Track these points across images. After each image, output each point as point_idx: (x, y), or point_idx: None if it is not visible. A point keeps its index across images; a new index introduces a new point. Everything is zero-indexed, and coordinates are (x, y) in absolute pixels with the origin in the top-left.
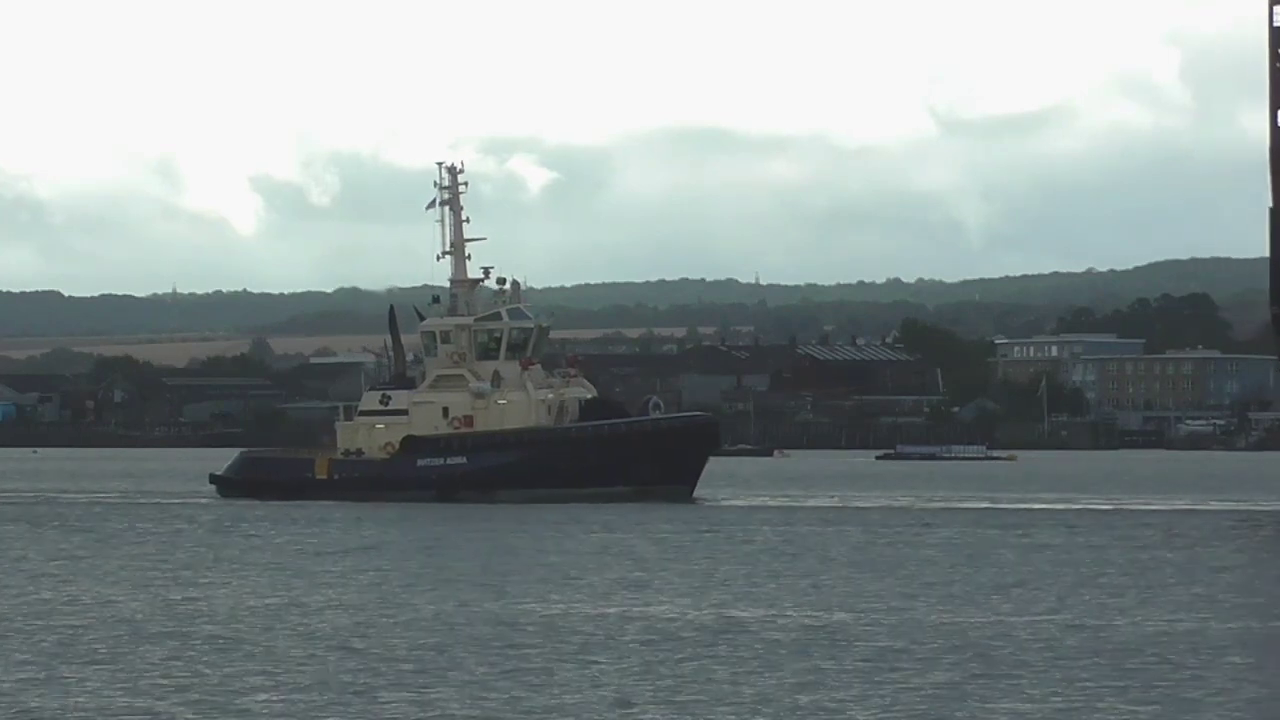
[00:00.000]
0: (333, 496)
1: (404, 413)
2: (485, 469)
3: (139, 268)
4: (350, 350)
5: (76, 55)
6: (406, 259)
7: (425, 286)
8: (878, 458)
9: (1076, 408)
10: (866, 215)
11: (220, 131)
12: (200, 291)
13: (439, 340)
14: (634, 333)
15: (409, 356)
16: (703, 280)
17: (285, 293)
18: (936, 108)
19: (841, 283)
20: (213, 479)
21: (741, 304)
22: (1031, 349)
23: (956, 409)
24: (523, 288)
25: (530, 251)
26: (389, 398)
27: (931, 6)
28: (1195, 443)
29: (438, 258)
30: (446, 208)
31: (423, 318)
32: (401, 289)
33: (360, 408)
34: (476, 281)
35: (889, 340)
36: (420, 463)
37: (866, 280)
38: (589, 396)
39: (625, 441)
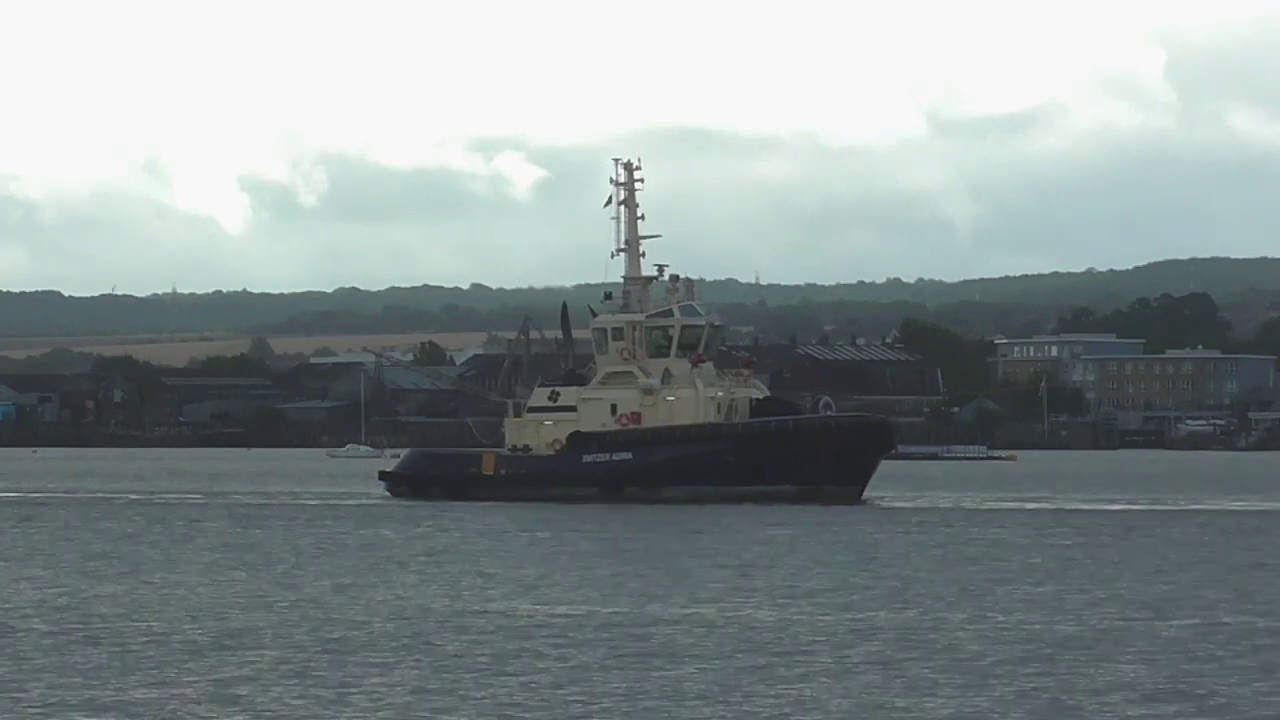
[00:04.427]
0: (499, 492)
1: (572, 409)
2: (651, 464)
3: (131, 268)
4: (350, 350)
5: (63, 54)
6: (403, 259)
7: (425, 286)
8: None
9: (1076, 408)
10: (865, 216)
11: (208, 131)
12: (200, 291)
13: (610, 337)
14: None
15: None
16: (702, 280)
17: (285, 293)
18: (926, 107)
19: (841, 283)
20: (381, 476)
21: (741, 304)
22: (1031, 349)
23: (956, 409)
24: (695, 284)
25: (524, 250)
26: (558, 394)
27: (921, 7)
28: (1195, 443)
29: (611, 255)
30: (623, 206)
31: (595, 314)
32: (401, 289)
33: (529, 404)
34: (650, 279)
35: (889, 340)
36: (586, 458)
37: (866, 280)
38: (760, 396)
39: (794, 439)
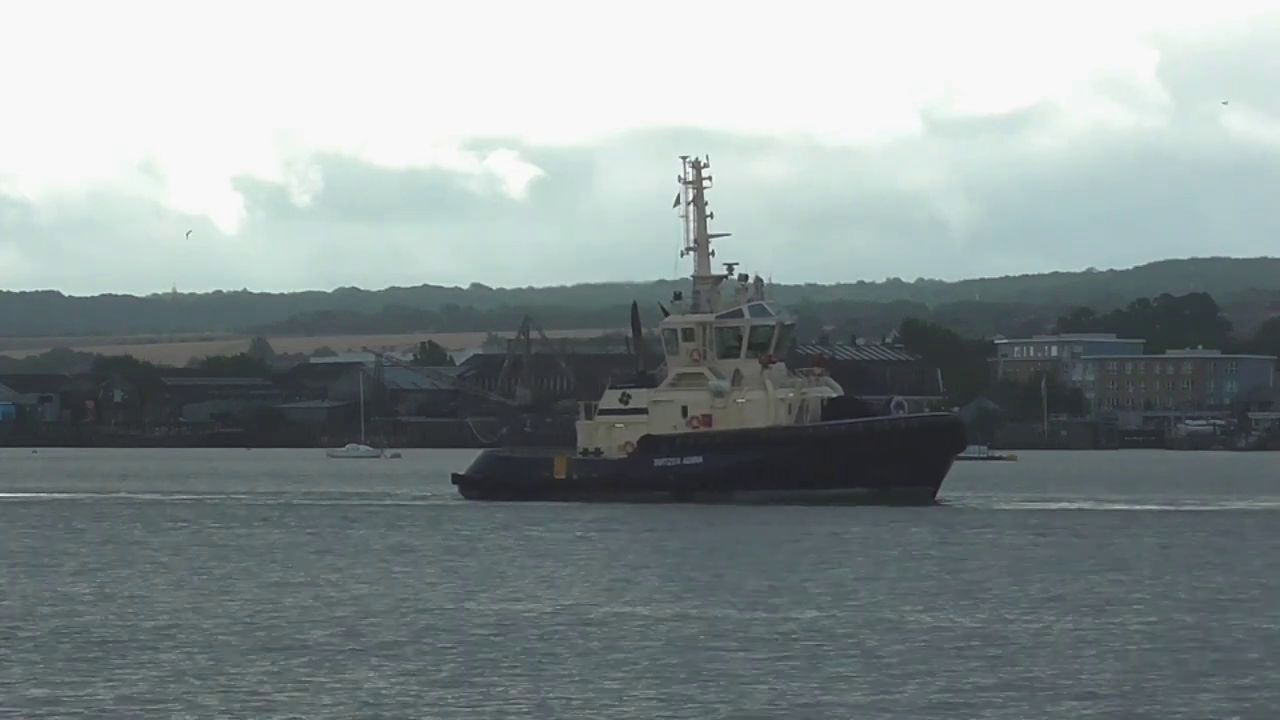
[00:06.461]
0: (570, 496)
1: (643, 411)
2: (722, 468)
3: (129, 268)
4: (350, 350)
5: (58, 54)
6: (402, 259)
7: (425, 286)
8: None
9: (1076, 408)
10: (864, 216)
11: (202, 131)
12: (200, 291)
13: (680, 338)
14: None
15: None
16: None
17: (284, 293)
18: (922, 107)
19: (841, 283)
20: (454, 479)
21: None
22: (1031, 349)
23: (956, 409)
24: (765, 284)
25: (522, 250)
26: (629, 396)
27: (918, 7)
28: (1195, 443)
29: (681, 254)
30: (691, 205)
31: (667, 314)
32: (401, 289)
33: (600, 406)
34: (720, 278)
35: (889, 340)
36: (657, 462)
37: (866, 280)
38: (832, 396)
39: (865, 441)
